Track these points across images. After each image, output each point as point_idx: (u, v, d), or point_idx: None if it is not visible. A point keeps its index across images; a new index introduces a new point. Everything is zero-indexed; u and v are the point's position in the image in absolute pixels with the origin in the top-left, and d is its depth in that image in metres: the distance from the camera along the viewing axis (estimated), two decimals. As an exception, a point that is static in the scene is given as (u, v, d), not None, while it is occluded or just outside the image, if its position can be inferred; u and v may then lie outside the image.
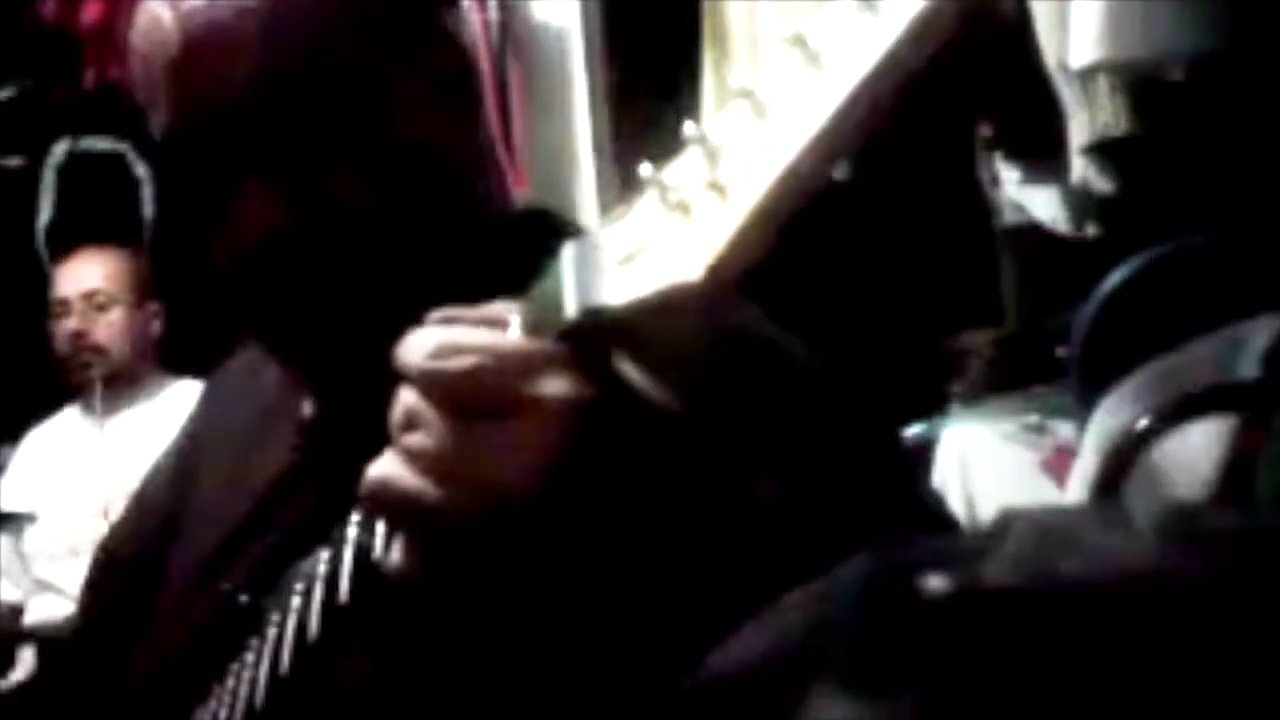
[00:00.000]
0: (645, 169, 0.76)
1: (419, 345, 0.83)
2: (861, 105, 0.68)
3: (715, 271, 0.72)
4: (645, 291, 0.75)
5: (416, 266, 1.11)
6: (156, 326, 4.10)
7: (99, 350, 4.01)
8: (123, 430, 3.97)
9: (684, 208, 0.73)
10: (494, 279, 0.88)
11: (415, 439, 0.82)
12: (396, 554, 0.85)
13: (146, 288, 4.08)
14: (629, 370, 0.80)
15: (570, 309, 0.78)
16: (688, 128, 0.74)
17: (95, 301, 4.03)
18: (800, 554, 0.85)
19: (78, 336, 4.01)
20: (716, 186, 0.72)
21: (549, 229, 1.17)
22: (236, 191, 1.10)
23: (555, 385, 0.81)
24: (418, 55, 1.14)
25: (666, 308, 0.75)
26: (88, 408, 4.05)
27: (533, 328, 0.82)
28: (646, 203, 0.75)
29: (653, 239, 0.75)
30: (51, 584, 3.91)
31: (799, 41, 0.70)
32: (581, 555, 0.85)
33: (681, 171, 0.74)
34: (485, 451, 0.81)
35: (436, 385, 0.82)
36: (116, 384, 4.02)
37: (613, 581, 0.86)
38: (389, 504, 0.84)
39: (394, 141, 1.12)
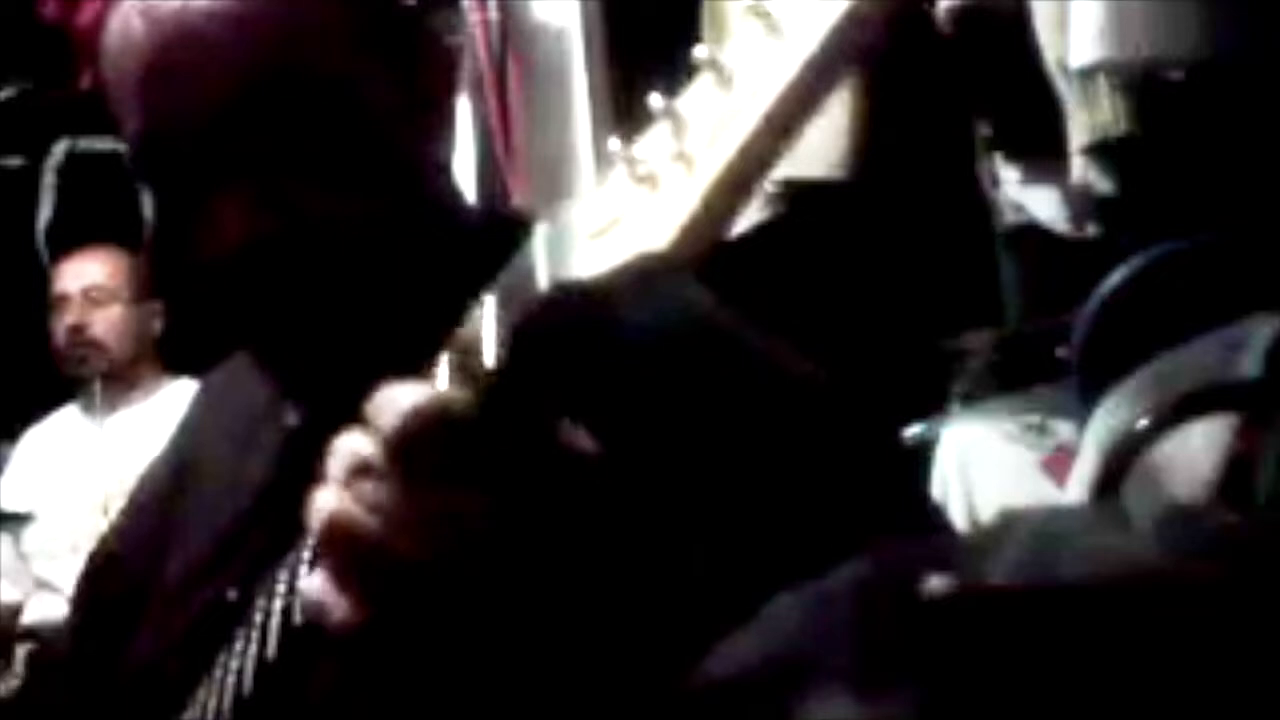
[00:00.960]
0: (613, 143, 0.77)
1: (393, 403, 0.84)
2: (820, 71, 0.69)
3: (683, 242, 0.73)
4: (615, 265, 0.75)
5: (393, 273, 1.11)
6: (156, 325, 4.10)
7: (96, 345, 4.01)
8: (121, 428, 3.97)
9: (651, 180, 0.74)
10: (472, 284, 0.88)
11: (370, 490, 0.84)
12: (339, 604, 0.86)
13: (146, 286, 4.08)
14: (566, 426, 0.84)
15: (541, 283, 0.79)
16: (653, 100, 0.74)
17: (94, 297, 4.04)
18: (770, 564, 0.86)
19: (75, 331, 4.01)
20: (683, 157, 0.73)
21: (522, 228, 1.17)
22: (207, 200, 1.10)
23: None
24: (393, 60, 1.14)
25: (633, 286, 0.76)
26: (86, 406, 4.06)
27: (503, 305, 0.83)
28: (616, 177, 0.76)
29: (623, 212, 0.75)
30: (50, 583, 3.91)
31: (761, 12, 0.70)
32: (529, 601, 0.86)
33: (649, 144, 0.75)
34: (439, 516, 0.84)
35: (402, 451, 0.84)
36: (115, 381, 4.02)
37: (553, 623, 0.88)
38: (347, 545, 0.85)
39: (369, 148, 1.12)
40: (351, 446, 0.86)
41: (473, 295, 0.86)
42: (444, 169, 1.20)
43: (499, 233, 1.19)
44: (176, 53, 1.10)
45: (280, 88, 1.09)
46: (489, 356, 0.83)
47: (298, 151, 1.09)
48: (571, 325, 0.80)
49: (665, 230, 0.73)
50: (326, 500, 0.86)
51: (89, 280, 4.06)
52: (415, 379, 0.89)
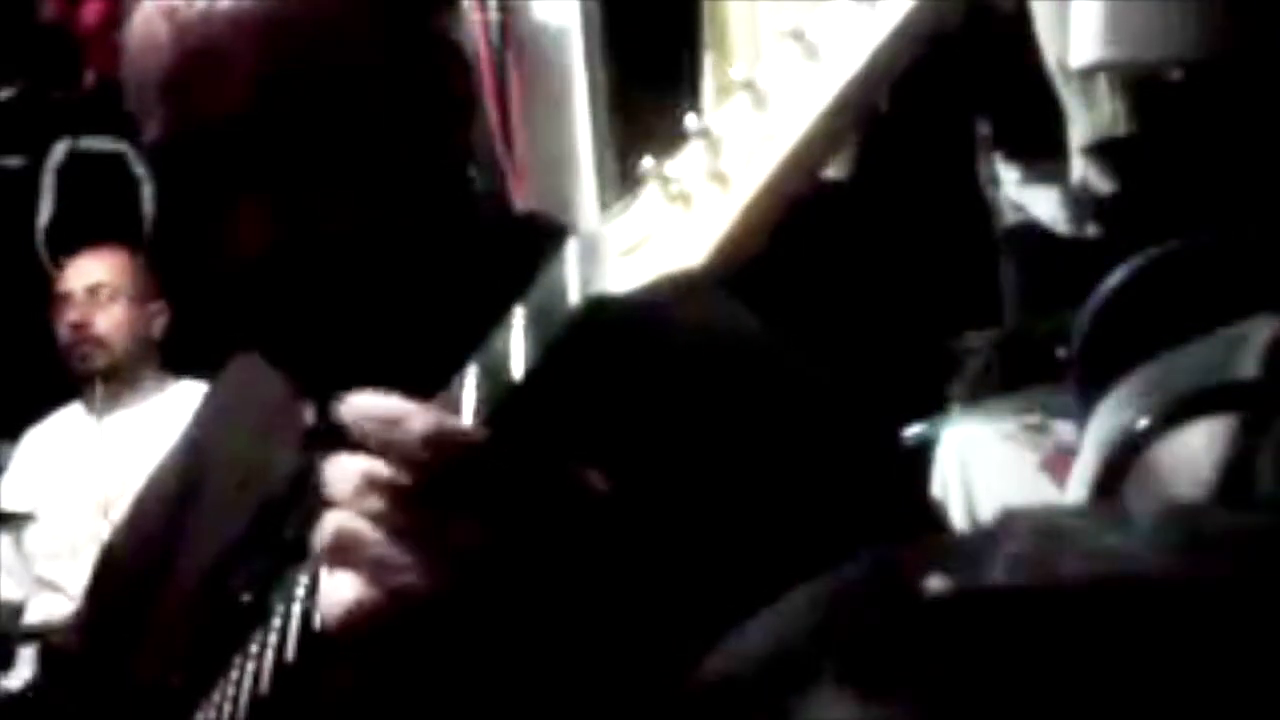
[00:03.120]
0: (647, 161, 0.77)
1: (408, 425, 0.86)
2: (857, 95, 0.70)
3: (716, 260, 0.73)
4: (646, 281, 0.76)
5: (414, 277, 1.11)
6: (159, 325, 4.10)
7: (98, 342, 4.01)
8: (123, 428, 3.97)
9: (685, 198, 0.74)
10: (491, 287, 0.88)
11: (378, 506, 0.86)
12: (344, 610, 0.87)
13: (151, 286, 4.08)
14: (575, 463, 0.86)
15: (574, 300, 0.79)
16: (690, 120, 0.75)
17: (98, 295, 4.04)
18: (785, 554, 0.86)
19: (77, 328, 4.01)
20: (718, 176, 0.73)
21: (546, 235, 1.17)
22: (230, 206, 1.10)
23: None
24: (415, 68, 1.13)
25: (663, 299, 0.77)
26: (88, 405, 4.06)
27: (533, 320, 0.83)
28: (649, 195, 0.76)
29: (655, 230, 0.76)
30: (52, 583, 3.91)
31: (798, 35, 0.71)
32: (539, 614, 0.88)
33: (683, 163, 0.75)
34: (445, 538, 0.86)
35: (415, 473, 0.86)
36: (117, 381, 4.02)
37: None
38: (354, 558, 0.87)
39: (391, 153, 1.11)
40: (356, 467, 0.87)
41: (500, 303, 0.87)
42: (466, 172, 1.20)
43: (526, 240, 1.19)
44: (199, 57, 1.09)
45: (301, 93, 1.09)
46: (517, 370, 0.84)
47: (319, 157, 1.09)
48: (611, 337, 0.81)
49: (698, 248, 0.73)
50: (334, 519, 0.88)
51: (93, 278, 4.06)
52: (439, 386, 0.90)
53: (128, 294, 4.06)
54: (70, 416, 4.13)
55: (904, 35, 0.69)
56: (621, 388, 0.88)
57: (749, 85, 0.73)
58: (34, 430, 4.17)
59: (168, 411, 3.88)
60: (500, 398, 0.85)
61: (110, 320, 4.04)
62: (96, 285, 4.05)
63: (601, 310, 0.79)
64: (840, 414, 1.11)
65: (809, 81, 0.71)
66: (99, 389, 4.01)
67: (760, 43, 3.36)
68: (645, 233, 0.76)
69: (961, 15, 0.70)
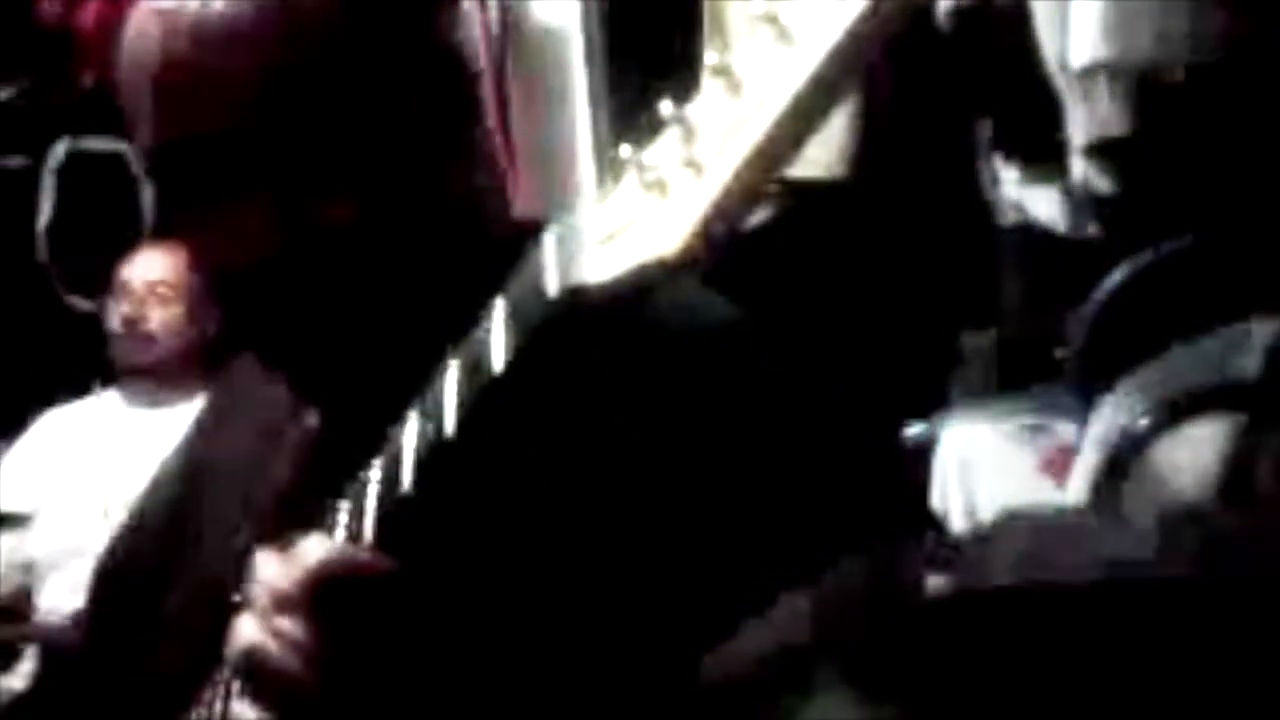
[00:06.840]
0: (624, 150, 0.77)
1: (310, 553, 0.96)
2: (830, 78, 0.70)
3: (690, 247, 0.74)
4: (624, 270, 0.76)
5: (413, 279, 1.11)
6: (208, 331, 4.04)
7: (149, 339, 3.99)
8: (150, 428, 3.94)
9: (661, 186, 0.75)
10: (485, 288, 0.89)
11: (288, 626, 0.95)
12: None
13: (206, 291, 4.02)
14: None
15: (552, 288, 0.80)
16: (665, 107, 0.75)
17: (157, 292, 4.01)
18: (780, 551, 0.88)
19: (131, 323, 3.98)
20: (692, 164, 0.73)
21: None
22: (225, 210, 1.10)
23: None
24: (412, 71, 1.13)
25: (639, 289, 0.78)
26: (125, 398, 4.04)
27: (513, 309, 0.84)
28: (626, 183, 0.77)
29: (632, 218, 0.76)
30: (53, 581, 3.90)
31: (771, 19, 0.71)
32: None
33: (659, 151, 0.76)
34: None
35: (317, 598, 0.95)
36: (157, 380, 3.99)
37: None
38: (259, 673, 0.96)
39: (388, 157, 1.11)
40: (273, 579, 0.95)
41: (486, 298, 0.87)
42: (469, 174, 1.19)
43: (513, 237, 1.19)
44: (192, 62, 1.09)
45: (295, 96, 1.09)
46: (497, 361, 0.84)
47: (315, 161, 1.09)
48: (588, 326, 0.81)
49: (674, 236, 0.74)
50: (247, 630, 0.96)
51: (154, 275, 4.03)
52: (425, 380, 0.91)
53: (185, 296, 4.02)
54: (102, 405, 4.10)
55: (875, 17, 0.69)
56: (599, 377, 0.88)
57: (723, 71, 0.73)
58: (56, 411, 4.13)
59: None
60: (480, 389, 0.86)
61: (163, 319, 4.01)
62: (157, 282, 4.02)
63: (579, 299, 0.79)
64: (820, 402, 1.11)
65: (782, 66, 0.71)
66: (139, 384, 3.99)
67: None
68: (623, 221, 0.77)
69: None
